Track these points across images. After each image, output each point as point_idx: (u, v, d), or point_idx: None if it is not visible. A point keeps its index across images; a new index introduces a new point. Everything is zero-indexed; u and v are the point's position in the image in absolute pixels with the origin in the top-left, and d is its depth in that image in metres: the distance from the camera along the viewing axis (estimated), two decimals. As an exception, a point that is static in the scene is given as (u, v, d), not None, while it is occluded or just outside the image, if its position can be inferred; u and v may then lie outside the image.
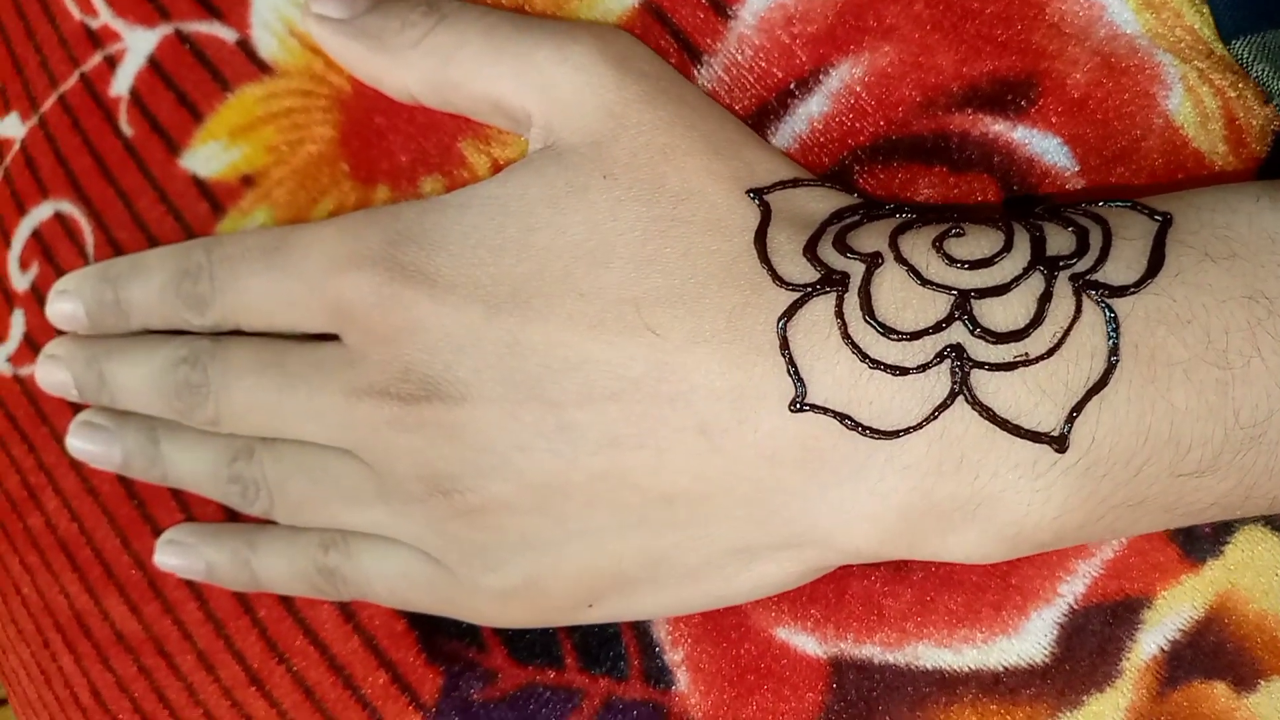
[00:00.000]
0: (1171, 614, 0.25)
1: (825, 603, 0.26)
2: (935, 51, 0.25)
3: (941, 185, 0.25)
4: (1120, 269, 0.22)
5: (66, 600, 0.30)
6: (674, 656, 0.26)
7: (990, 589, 0.25)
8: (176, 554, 0.28)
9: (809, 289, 0.22)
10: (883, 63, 0.25)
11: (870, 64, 0.25)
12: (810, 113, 0.25)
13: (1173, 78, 0.25)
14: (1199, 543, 0.25)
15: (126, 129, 0.29)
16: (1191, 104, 0.25)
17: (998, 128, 0.25)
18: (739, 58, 0.26)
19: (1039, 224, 0.23)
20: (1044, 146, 0.25)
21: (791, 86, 0.25)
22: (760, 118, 0.26)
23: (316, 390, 0.25)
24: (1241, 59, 0.25)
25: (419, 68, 0.26)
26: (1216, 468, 0.22)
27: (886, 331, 0.22)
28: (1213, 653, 0.25)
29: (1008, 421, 0.22)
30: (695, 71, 0.26)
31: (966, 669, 0.25)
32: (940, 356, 0.22)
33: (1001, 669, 0.25)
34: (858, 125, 0.25)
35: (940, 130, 0.25)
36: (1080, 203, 0.23)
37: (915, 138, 0.25)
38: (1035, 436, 0.21)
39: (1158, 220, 0.22)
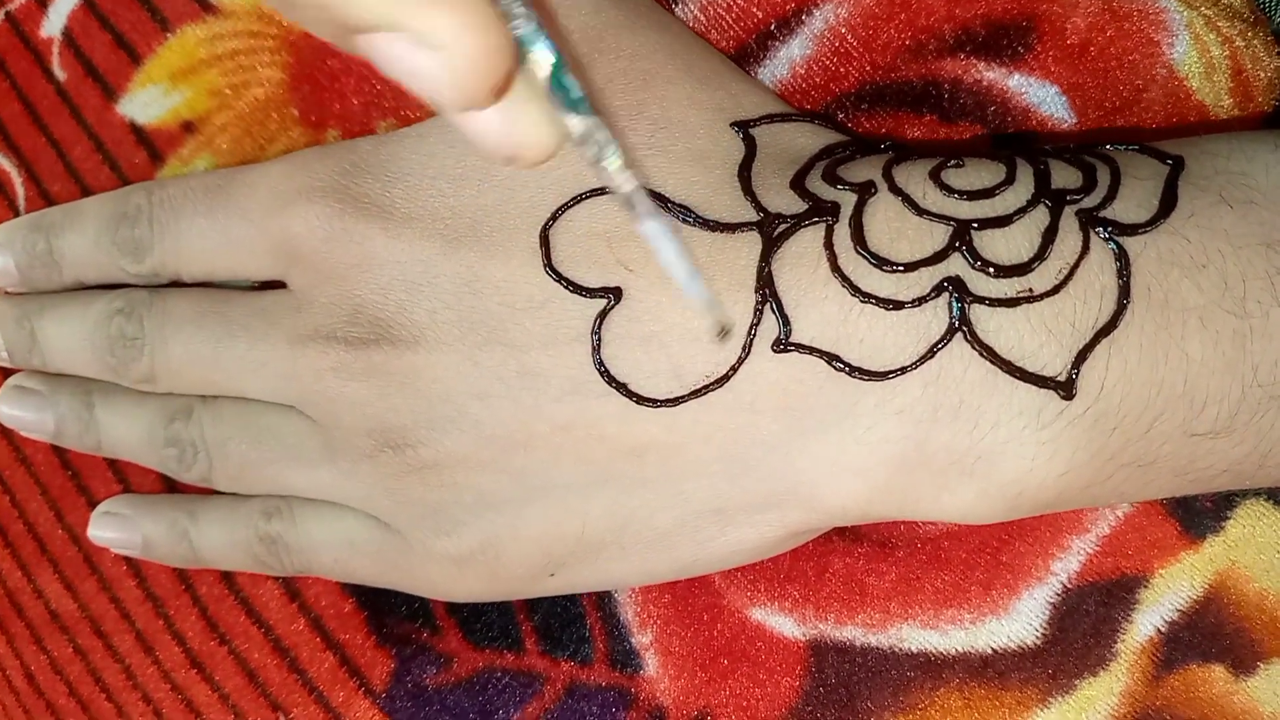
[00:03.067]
0: (1169, 593, 0.24)
1: (804, 581, 0.25)
2: (926, -9, 0.24)
3: (931, 135, 0.24)
4: (1130, 208, 0.21)
5: (-2, 578, 0.29)
6: (642, 639, 0.25)
7: (979, 567, 0.24)
8: (112, 526, 0.27)
9: (795, 220, 0.21)
10: (870, 2, 0.24)
11: (856, 3, 0.24)
12: (791, 56, 0.24)
13: (1178, 24, 0.24)
14: (1199, 518, 0.24)
15: (59, 73, 0.28)
16: (1197, 53, 0.24)
17: (992, 75, 0.24)
18: None
19: (1043, 159, 0.22)
20: (1040, 96, 0.24)
21: (772, 27, 0.24)
22: (739, 61, 0.25)
23: (258, 339, 0.24)
24: (1262, 3, 0.23)
25: None
26: (1233, 429, 0.20)
27: (880, 263, 0.21)
28: (1211, 634, 0.24)
29: (1010, 363, 0.20)
30: (671, 10, 0.24)
31: (953, 651, 0.24)
32: (938, 290, 0.20)
33: (990, 651, 0.24)
34: (842, 70, 0.24)
35: (930, 76, 0.24)
36: (1084, 145, 0.22)
37: (904, 84, 0.24)
38: (1040, 380, 0.20)
39: (1168, 163, 0.21)
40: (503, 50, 0.16)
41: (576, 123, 0.17)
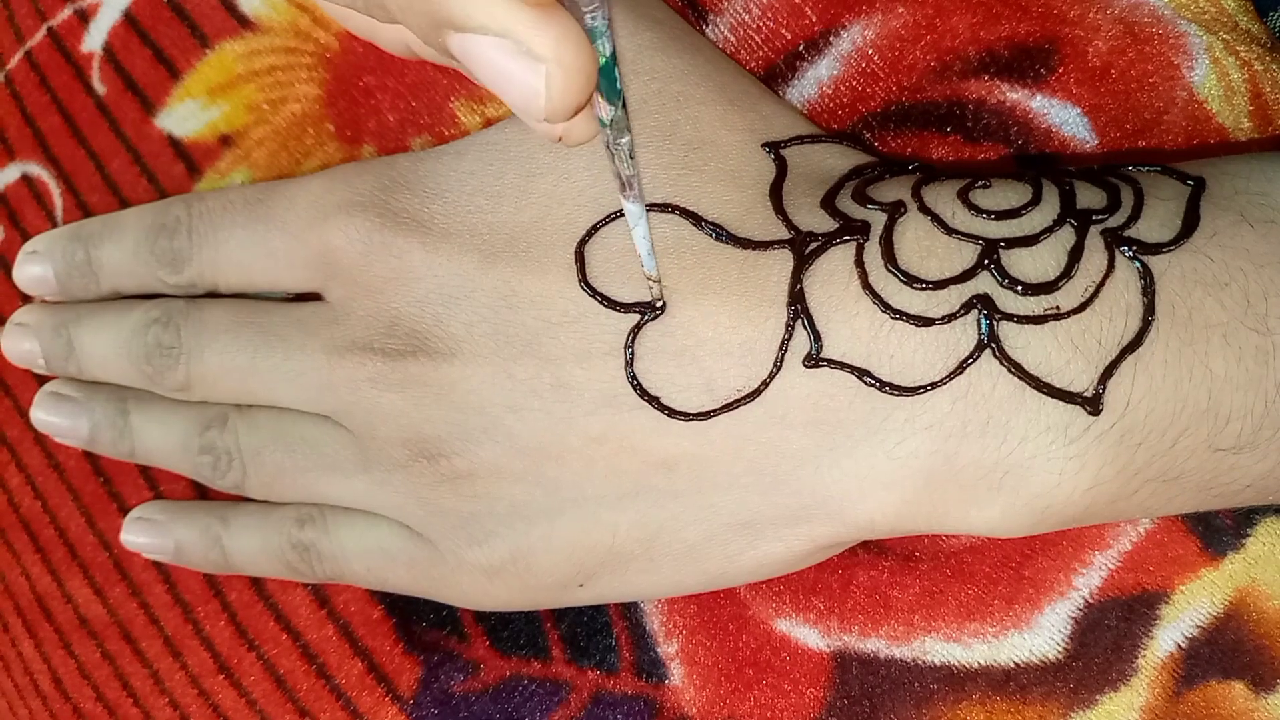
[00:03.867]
0: (1190, 609, 0.24)
1: (829, 594, 0.25)
2: (951, 14, 0.24)
3: (955, 155, 0.24)
4: (1154, 227, 0.21)
5: (28, 582, 0.29)
6: (668, 649, 0.25)
7: (1002, 581, 0.24)
8: (145, 532, 0.27)
9: (827, 238, 0.21)
10: (896, 24, 0.24)
11: (883, 26, 0.24)
12: (819, 76, 0.25)
13: (1197, 48, 0.24)
14: (1219, 535, 0.24)
15: (99, 87, 0.28)
16: (1216, 76, 0.24)
17: (1015, 96, 0.24)
18: (746, 17, 0.25)
19: (1068, 180, 0.22)
20: (1063, 117, 0.24)
21: (800, 48, 0.25)
22: (767, 81, 0.25)
23: (295, 350, 0.24)
24: (1279, 32, 0.24)
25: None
26: (1256, 444, 0.21)
27: (910, 280, 0.21)
28: (1231, 651, 0.24)
29: (1038, 379, 0.21)
30: (702, 31, 0.25)
31: (976, 664, 0.24)
32: (967, 307, 0.21)
33: (1013, 665, 0.24)
34: (869, 90, 0.24)
35: (955, 97, 0.24)
36: (1108, 166, 0.22)
37: (929, 104, 0.24)
38: (1067, 396, 0.20)
39: (1190, 184, 0.21)
40: (592, 70, 0.16)
41: (609, 110, 0.18)
